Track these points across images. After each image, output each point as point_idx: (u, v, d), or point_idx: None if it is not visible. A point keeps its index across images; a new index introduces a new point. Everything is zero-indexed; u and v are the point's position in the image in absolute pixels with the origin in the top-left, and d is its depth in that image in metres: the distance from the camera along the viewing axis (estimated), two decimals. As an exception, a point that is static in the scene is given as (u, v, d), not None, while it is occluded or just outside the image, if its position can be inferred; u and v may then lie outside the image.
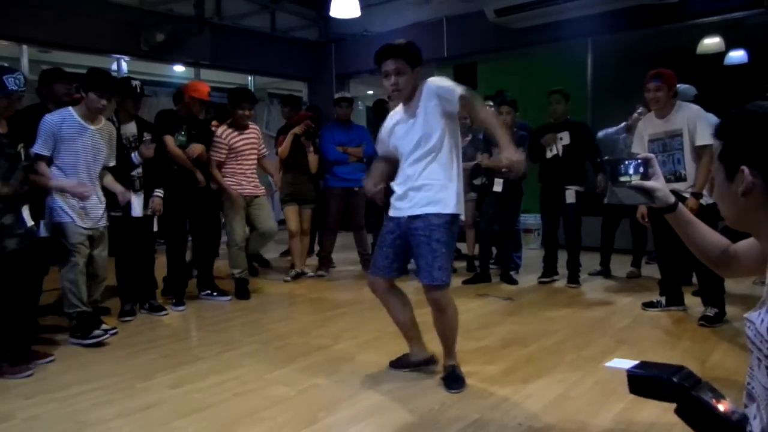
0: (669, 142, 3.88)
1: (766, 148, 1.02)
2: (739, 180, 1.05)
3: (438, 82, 2.77)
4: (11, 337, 3.09)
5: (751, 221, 1.10)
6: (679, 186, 3.76)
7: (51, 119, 3.45)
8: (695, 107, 3.83)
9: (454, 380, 2.77)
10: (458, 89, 2.68)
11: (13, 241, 3.03)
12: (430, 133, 2.71)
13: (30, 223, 3.19)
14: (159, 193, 4.18)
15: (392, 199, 2.86)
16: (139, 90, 4.03)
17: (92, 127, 3.57)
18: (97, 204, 3.62)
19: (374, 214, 6.56)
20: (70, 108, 3.56)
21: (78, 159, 3.51)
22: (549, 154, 5.03)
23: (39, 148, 3.39)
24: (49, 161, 3.45)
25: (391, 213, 2.86)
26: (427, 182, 2.71)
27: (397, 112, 2.91)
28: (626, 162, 1.40)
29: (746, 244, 1.31)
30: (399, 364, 3.04)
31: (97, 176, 3.66)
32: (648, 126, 4.02)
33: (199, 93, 4.49)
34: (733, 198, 1.08)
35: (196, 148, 4.38)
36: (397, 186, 2.84)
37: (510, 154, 2.57)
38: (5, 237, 3.00)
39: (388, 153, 2.96)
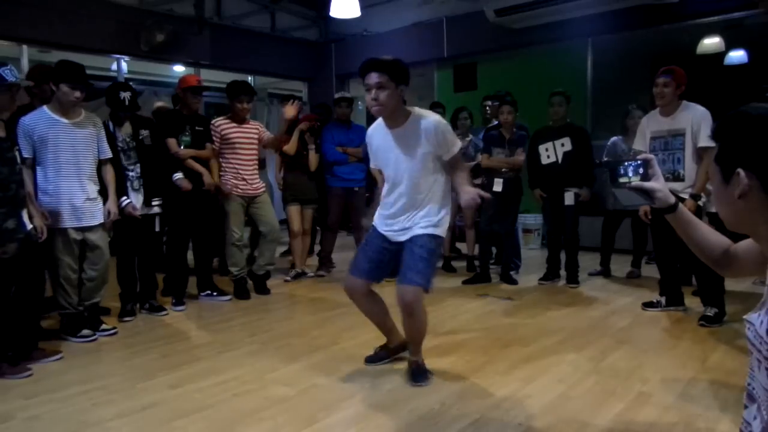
0: (671, 140, 3.87)
1: (761, 150, 1.02)
2: (735, 182, 1.05)
3: (444, 128, 2.74)
4: (13, 338, 3.09)
5: (748, 223, 1.10)
6: (676, 186, 3.75)
7: (25, 121, 3.39)
8: (701, 108, 3.80)
9: (419, 374, 2.84)
10: (456, 146, 2.77)
11: (14, 245, 3.02)
12: (424, 169, 2.75)
13: (29, 226, 3.17)
14: (179, 175, 4.20)
15: (382, 218, 2.91)
16: (128, 103, 3.95)
17: (68, 121, 3.50)
18: (87, 202, 3.55)
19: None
20: (44, 107, 3.50)
21: (59, 156, 3.44)
22: (546, 161, 4.99)
23: (23, 151, 3.33)
24: (31, 163, 3.41)
25: (383, 230, 2.89)
26: (416, 211, 2.77)
27: (382, 134, 2.84)
28: (625, 163, 1.39)
29: (747, 244, 1.30)
30: (376, 357, 3.13)
31: (89, 173, 3.58)
32: (651, 123, 4.01)
33: (187, 82, 4.49)
34: (730, 200, 1.07)
35: (186, 152, 4.37)
36: (388, 208, 2.87)
37: (466, 201, 2.69)
38: (7, 241, 2.98)
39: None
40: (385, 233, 2.88)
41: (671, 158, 3.87)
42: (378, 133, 2.87)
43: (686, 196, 3.73)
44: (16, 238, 3.03)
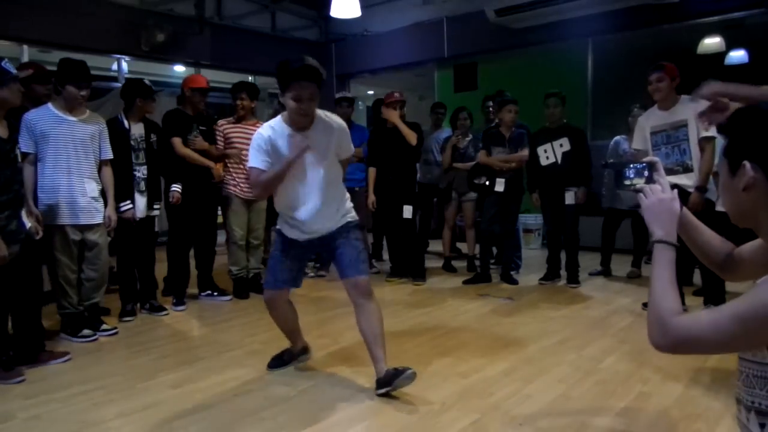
0: (673, 133, 3.85)
1: (767, 144, 1.04)
2: (741, 175, 1.07)
3: (344, 126, 2.81)
4: (10, 340, 3.08)
5: (752, 216, 1.11)
6: (687, 181, 3.73)
7: (28, 116, 3.40)
8: (702, 101, 3.78)
9: (396, 376, 2.62)
10: (351, 150, 2.93)
11: (17, 246, 3.01)
12: (330, 164, 2.75)
13: (28, 225, 3.15)
14: (177, 187, 4.28)
15: (297, 226, 2.79)
16: (154, 91, 4.13)
17: (73, 119, 3.51)
18: (87, 200, 3.54)
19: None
20: (49, 104, 3.49)
21: (60, 153, 3.43)
22: (545, 162, 4.97)
23: (23, 146, 3.29)
24: (33, 159, 3.40)
25: (301, 238, 2.82)
26: (334, 203, 2.81)
27: (285, 138, 2.65)
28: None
29: (751, 247, 1.30)
30: (281, 362, 3.10)
31: (90, 171, 3.57)
32: (650, 118, 3.99)
33: (197, 83, 4.50)
34: (735, 192, 1.09)
35: (202, 143, 4.41)
36: (301, 212, 2.74)
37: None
38: (11, 243, 2.97)
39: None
40: (303, 240, 2.83)
41: (677, 150, 3.83)
42: (281, 138, 2.67)
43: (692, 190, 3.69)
44: (19, 239, 3.02)
